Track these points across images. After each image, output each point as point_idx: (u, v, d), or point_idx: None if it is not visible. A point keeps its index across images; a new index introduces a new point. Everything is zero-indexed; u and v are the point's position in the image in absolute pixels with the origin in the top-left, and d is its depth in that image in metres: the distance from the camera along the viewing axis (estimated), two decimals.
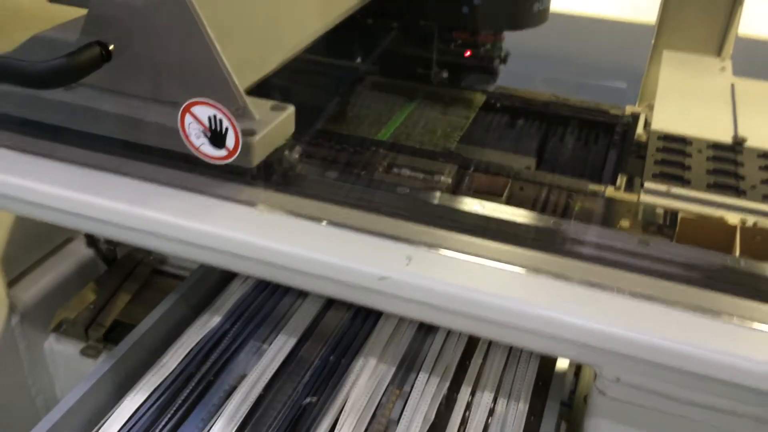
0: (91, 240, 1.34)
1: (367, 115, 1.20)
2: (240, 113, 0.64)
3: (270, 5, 0.78)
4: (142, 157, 0.73)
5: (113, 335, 1.24)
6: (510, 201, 1.02)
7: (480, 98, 1.30)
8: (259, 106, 0.68)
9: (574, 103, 1.30)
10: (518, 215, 0.69)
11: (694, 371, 0.56)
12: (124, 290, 1.31)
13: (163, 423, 0.70)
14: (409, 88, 1.27)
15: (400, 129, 1.18)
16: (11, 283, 1.21)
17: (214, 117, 0.60)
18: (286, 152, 0.73)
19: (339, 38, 1.07)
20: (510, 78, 1.35)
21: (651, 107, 1.24)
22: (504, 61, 1.14)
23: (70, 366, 1.27)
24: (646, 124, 1.27)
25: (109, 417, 0.69)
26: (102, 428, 0.69)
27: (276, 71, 0.83)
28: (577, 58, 1.50)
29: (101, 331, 1.23)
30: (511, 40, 1.38)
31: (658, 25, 1.51)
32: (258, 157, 0.65)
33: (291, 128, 0.71)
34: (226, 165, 0.64)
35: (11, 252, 1.21)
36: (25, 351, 1.25)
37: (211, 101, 0.59)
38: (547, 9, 0.89)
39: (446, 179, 1.05)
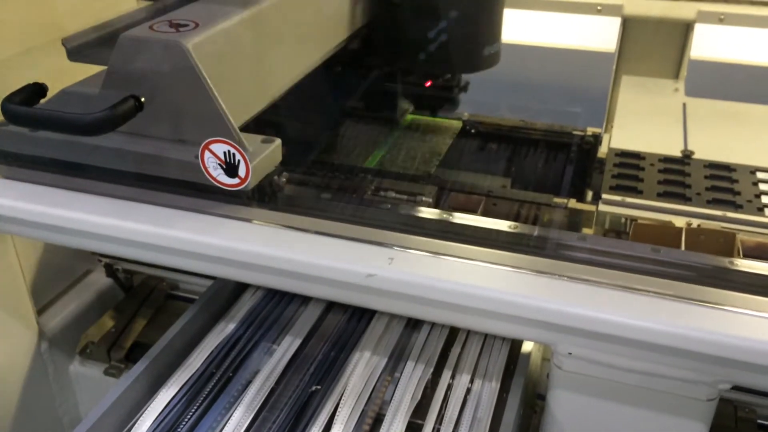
0: (110, 270, 1.47)
1: (355, 146, 1.33)
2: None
3: (257, 59, 0.91)
4: (158, 188, 0.86)
5: (133, 355, 1.36)
6: (485, 216, 1.16)
7: (456, 126, 1.44)
8: (251, 141, 0.80)
9: (541, 127, 1.45)
10: (480, 222, 0.82)
11: (629, 338, 0.69)
12: (141, 315, 1.43)
13: (191, 413, 0.82)
14: (390, 119, 1.41)
15: (385, 157, 1.32)
16: (40, 312, 1.34)
17: (229, 152, 0.74)
18: (276, 177, 0.86)
19: (324, 79, 1.21)
20: (483, 106, 1.49)
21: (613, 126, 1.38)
22: (464, 89, 1.27)
23: (94, 386, 1.39)
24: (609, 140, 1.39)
25: (147, 408, 0.82)
26: (141, 418, 0.81)
27: (272, 109, 0.96)
28: (544, 86, 1.63)
29: (122, 353, 1.35)
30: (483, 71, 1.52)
31: (618, 52, 1.65)
32: (253, 182, 0.78)
33: (279, 157, 0.84)
34: (226, 189, 0.77)
35: (39, 283, 1.33)
36: (53, 374, 1.36)
37: (226, 139, 0.73)
38: (498, 52, 1.02)
39: (427, 199, 1.19)
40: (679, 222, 1.05)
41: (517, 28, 1.66)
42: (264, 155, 0.80)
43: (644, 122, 1.40)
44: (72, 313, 1.39)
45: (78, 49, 0.90)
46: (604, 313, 0.69)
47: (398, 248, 0.77)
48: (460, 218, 0.83)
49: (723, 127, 1.36)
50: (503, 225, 0.80)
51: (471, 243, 0.77)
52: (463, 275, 0.73)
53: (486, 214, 1.16)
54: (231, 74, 0.84)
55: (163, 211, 0.84)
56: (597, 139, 1.41)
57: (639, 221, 1.06)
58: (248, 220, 0.81)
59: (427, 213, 0.89)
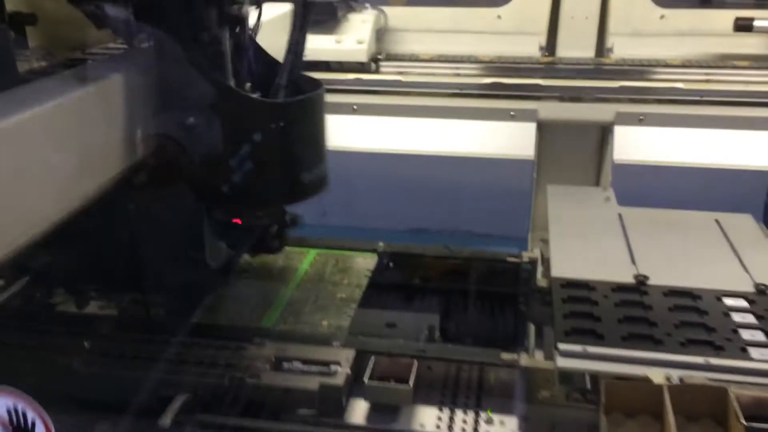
0: None
1: (248, 300, 1.06)
2: None
3: None
4: None
5: None
6: (418, 385, 0.91)
7: (370, 260, 1.20)
8: None
9: (469, 255, 1.23)
10: None
11: None
12: None
13: None
14: (290, 260, 1.16)
15: (287, 310, 1.05)
16: None
17: (15, 409, 0.45)
18: None
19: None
20: (397, 233, 1.28)
21: (545, 241, 1.20)
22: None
23: None
24: (543, 259, 1.21)
25: None
26: None
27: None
28: (465, 198, 1.47)
29: None
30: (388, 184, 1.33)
31: (537, 158, 1.51)
32: None
33: None
34: None
35: None
36: None
37: (11, 389, 0.45)
38: (322, 178, 0.83)
39: (344, 369, 0.92)
40: (656, 375, 0.86)
41: (427, 137, 1.51)
42: None
43: (583, 240, 1.22)
44: None
45: None
46: None
47: None
48: None
49: (667, 240, 1.20)
50: None
51: None
52: None
53: (420, 381, 0.92)
54: None
55: None
56: (534, 265, 1.22)
57: (607, 381, 0.86)
58: None
59: None
